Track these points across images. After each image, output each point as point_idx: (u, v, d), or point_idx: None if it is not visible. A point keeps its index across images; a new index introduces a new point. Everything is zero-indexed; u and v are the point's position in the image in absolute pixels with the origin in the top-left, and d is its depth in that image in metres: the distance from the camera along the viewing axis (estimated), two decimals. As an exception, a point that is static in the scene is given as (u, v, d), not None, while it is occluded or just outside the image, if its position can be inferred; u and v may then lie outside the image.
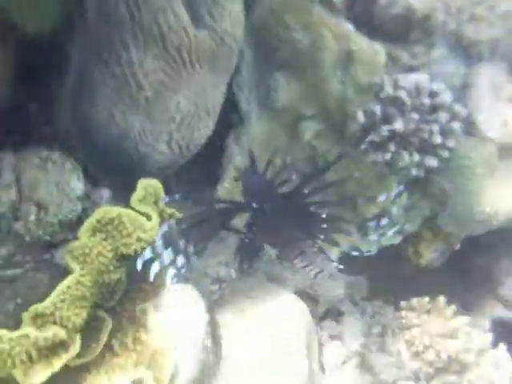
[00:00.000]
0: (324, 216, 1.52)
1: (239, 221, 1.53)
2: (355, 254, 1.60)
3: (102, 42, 1.25)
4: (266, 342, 1.45)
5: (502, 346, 1.76)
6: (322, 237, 1.58)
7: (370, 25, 1.73)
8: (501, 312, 2.11)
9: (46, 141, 1.32)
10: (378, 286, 1.99)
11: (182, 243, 1.34)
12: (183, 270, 1.35)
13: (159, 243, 1.28)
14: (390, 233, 1.77)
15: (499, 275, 2.05)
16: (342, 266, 1.58)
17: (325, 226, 1.56)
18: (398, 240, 1.86)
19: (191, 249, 1.36)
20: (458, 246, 1.93)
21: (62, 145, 1.31)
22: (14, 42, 1.23)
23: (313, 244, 1.56)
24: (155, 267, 1.31)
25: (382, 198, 1.51)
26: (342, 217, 1.59)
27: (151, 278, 1.31)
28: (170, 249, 1.27)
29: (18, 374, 1.20)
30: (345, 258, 1.81)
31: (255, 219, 1.50)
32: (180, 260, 1.33)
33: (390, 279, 2.01)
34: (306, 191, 1.52)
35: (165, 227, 1.21)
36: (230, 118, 1.64)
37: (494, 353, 1.74)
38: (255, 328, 1.45)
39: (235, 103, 1.63)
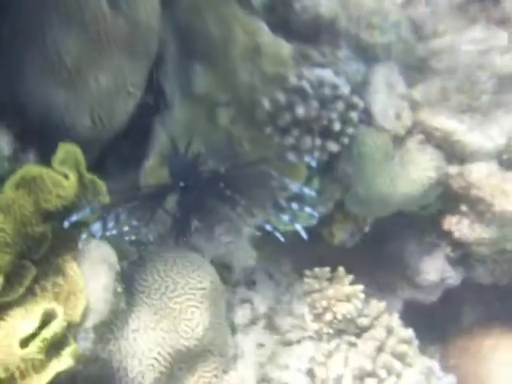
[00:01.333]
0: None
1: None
2: (269, 228, 1.83)
3: (31, 22, 1.47)
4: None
5: (395, 314, 1.98)
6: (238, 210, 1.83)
7: (287, 28, 1.99)
8: (411, 293, 2.34)
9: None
10: (296, 266, 2.21)
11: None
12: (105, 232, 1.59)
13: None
14: (305, 213, 2.01)
15: (407, 258, 2.26)
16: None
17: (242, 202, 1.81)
18: (313, 221, 2.08)
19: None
20: (366, 228, 2.15)
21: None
22: None
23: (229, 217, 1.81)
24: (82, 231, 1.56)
25: (294, 187, 1.75)
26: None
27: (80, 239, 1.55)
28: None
29: None
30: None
31: (183, 197, 1.74)
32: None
33: (309, 259, 2.21)
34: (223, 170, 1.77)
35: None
36: (156, 103, 1.86)
37: (388, 318, 1.95)
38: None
39: (161, 90, 1.85)
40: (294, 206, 1.94)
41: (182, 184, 1.73)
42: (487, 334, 2.53)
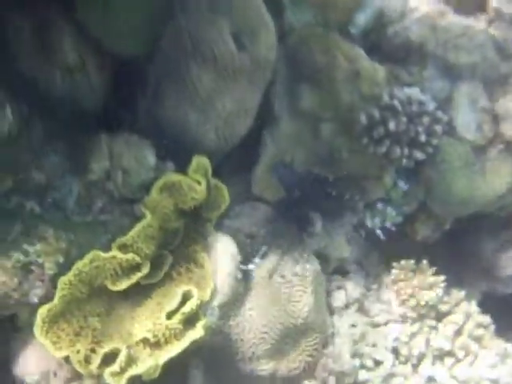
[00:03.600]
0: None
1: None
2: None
3: (171, 62, 1.84)
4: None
5: (473, 302, 2.24)
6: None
7: (379, 50, 2.27)
8: (488, 285, 2.58)
9: (129, 130, 1.92)
10: (383, 258, 2.49)
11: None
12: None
13: None
14: (392, 213, 2.31)
15: (485, 253, 2.51)
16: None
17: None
18: (399, 220, 2.37)
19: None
20: (447, 226, 2.42)
21: (140, 134, 1.90)
22: (110, 65, 1.84)
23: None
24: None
25: (387, 179, 2.10)
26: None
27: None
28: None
29: (108, 283, 1.78)
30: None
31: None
32: None
33: (396, 253, 2.49)
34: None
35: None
36: (266, 119, 2.18)
37: (466, 305, 2.23)
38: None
39: (271, 108, 2.17)
40: (380, 205, 2.28)
41: (296, 193, 2.10)
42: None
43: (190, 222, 1.96)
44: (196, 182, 1.88)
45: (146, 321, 1.78)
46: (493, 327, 2.25)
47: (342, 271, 2.32)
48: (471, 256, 2.53)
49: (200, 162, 1.90)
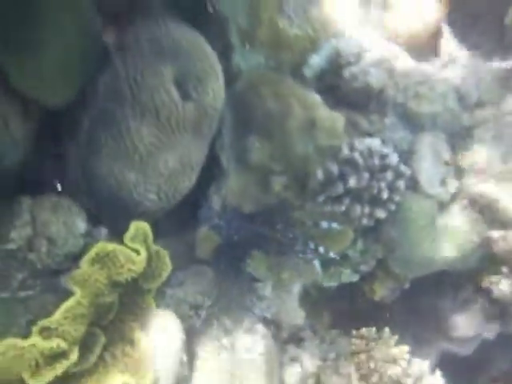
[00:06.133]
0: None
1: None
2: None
3: (107, 112, 1.57)
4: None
5: (438, 373, 2.05)
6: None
7: (336, 95, 2.07)
8: (446, 346, 2.42)
9: (56, 190, 1.64)
10: (337, 319, 2.29)
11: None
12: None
13: None
14: (347, 271, 2.12)
15: (444, 311, 2.34)
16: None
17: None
18: (355, 278, 2.17)
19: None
20: (407, 285, 2.24)
21: (70, 193, 1.62)
22: (35, 113, 1.55)
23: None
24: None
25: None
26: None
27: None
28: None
29: (26, 376, 1.49)
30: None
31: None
32: None
33: (348, 314, 2.31)
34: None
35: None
36: (212, 172, 1.94)
37: (431, 378, 2.03)
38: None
39: (217, 160, 1.93)
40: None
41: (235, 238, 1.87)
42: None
43: (126, 292, 1.70)
44: (134, 251, 1.62)
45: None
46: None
47: (294, 338, 2.09)
48: (428, 314, 2.36)
49: (139, 227, 1.64)
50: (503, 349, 2.52)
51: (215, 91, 1.68)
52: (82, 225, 1.61)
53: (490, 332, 2.35)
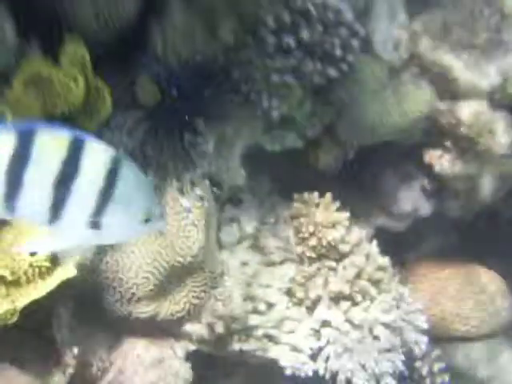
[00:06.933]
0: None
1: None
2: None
3: None
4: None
5: (374, 242, 2.04)
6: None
7: None
8: (383, 221, 2.40)
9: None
10: (278, 185, 2.22)
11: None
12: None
13: None
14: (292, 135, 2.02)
15: (383, 186, 2.31)
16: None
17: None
18: (299, 144, 2.08)
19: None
20: (351, 155, 2.17)
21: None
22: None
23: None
24: None
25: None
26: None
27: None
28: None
29: None
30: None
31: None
32: None
33: (291, 181, 2.23)
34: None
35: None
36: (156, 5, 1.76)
37: (367, 246, 2.02)
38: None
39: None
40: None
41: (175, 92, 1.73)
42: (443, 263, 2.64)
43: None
44: (72, 78, 1.46)
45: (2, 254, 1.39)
46: (391, 270, 2.07)
47: (234, 200, 2.01)
48: (369, 188, 2.32)
49: (77, 51, 1.46)
50: (436, 227, 2.52)
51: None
52: (12, 36, 1.41)
53: (426, 209, 2.34)
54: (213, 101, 1.80)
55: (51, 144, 0.86)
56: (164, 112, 1.77)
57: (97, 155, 0.88)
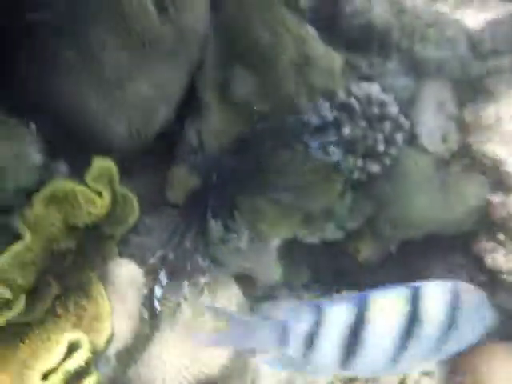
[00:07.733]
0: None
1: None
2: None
3: (72, 21, 1.33)
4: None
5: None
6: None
7: (334, 29, 1.85)
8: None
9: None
10: (317, 277, 2.12)
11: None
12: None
13: None
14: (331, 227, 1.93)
15: (430, 276, 2.19)
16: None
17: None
18: (339, 235, 1.98)
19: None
20: (393, 248, 2.06)
21: (20, 116, 1.38)
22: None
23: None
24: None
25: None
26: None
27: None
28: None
29: (-37, 327, 1.31)
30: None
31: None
32: None
33: (330, 272, 2.14)
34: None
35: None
36: (190, 107, 1.73)
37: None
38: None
39: (196, 93, 1.71)
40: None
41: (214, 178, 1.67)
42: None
43: (86, 239, 1.49)
44: (97, 193, 1.41)
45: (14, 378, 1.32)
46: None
47: (268, 297, 1.91)
48: (417, 279, 2.19)
49: (103, 167, 1.41)
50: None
51: (197, 11, 1.45)
52: (37, 155, 1.38)
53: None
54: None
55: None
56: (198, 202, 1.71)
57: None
